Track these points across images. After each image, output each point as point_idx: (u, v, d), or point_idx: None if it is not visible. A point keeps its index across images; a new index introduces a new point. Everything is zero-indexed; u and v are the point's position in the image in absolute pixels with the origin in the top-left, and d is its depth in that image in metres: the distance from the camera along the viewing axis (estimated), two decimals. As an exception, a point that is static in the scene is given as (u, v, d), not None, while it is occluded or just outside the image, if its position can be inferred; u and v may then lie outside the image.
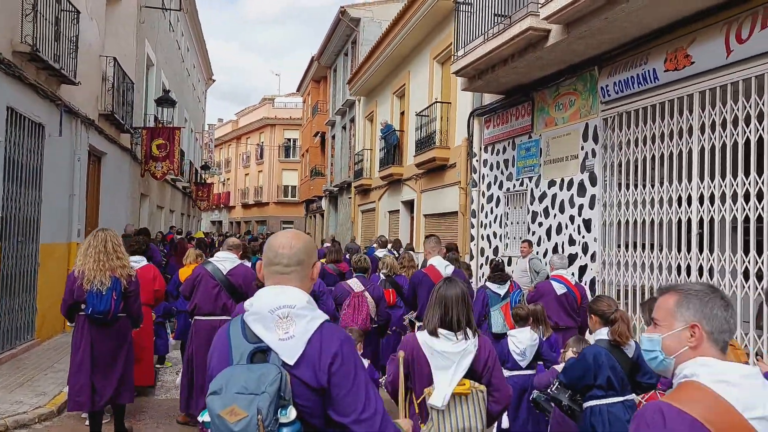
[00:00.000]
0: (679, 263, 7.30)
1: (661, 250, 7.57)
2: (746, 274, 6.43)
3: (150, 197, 18.67)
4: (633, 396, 4.06)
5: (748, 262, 6.40)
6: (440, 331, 3.33)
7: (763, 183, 6.24)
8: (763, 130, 6.29)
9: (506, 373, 4.79)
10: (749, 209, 6.42)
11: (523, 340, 5.23)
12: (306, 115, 37.60)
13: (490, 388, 3.35)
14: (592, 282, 8.71)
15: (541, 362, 5.23)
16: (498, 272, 7.82)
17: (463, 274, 6.98)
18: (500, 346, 5.17)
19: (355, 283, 6.67)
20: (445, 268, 6.56)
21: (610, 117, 8.52)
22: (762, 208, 6.29)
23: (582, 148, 9.08)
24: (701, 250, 7.01)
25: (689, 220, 7.19)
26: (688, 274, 7.13)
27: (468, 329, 3.36)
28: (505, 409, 3.57)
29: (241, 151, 56.53)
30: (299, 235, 2.28)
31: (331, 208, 30.21)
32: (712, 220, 6.86)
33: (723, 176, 6.73)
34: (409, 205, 17.49)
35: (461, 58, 10.33)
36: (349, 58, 25.87)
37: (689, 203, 7.19)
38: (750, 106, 6.41)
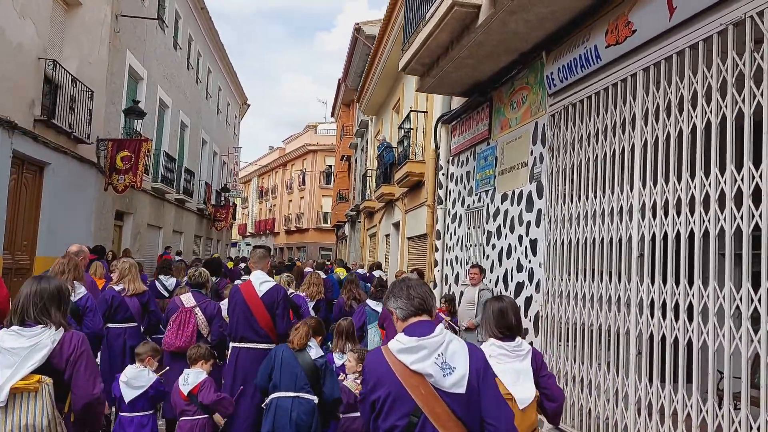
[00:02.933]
0: (652, 297, 5.02)
1: (627, 280, 5.39)
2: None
3: (135, 215, 17.77)
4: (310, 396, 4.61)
5: (740, 299, 4.13)
6: (13, 327, 3.09)
7: (742, 180, 4.22)
8: (710, 112, 4.57)
9: None
10: (740, 219, 4.20)
11: None
12: (338, 140, 36.66)
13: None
14: (536, 317, 6.98)
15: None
16: (380, 288, 7.74)
17: (282, 289, 5.94)
18: None
19: (187, 299, 6.23)
20: (260, 284, 5.67)
21: (557, 112, 6.86)
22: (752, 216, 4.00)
23: (531, 153, 7.43)
24: (677, 281, 4.77)
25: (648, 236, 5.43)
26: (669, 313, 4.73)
27: (49, 322, 3.14)
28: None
29: (286, 178, 56.57)
30: None
31: (352, 233, 28.88)
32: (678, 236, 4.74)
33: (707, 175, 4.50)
34: (398, 227, 15.92)
35: (406, 51, 8.88)
36: (369, 76, 24.70)
37: (627, 216, 5.43)
38: (697, 83, 4.71)
